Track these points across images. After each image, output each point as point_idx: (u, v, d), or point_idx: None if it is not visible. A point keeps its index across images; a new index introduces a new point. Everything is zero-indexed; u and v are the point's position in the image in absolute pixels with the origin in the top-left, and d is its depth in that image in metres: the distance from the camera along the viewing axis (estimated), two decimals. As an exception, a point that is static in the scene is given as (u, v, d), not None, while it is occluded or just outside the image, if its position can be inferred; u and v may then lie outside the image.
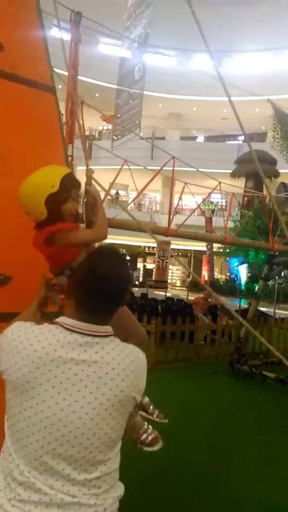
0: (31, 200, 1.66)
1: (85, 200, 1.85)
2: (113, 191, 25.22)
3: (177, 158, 3.91)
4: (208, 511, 3.16)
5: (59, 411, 1.16)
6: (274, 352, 2.39)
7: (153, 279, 25.42)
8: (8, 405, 1.22)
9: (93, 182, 1.89)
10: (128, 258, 20.58)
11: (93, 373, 1.20)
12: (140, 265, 29.20)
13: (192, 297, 10.49)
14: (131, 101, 18.44)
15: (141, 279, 27.15)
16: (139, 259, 29.37)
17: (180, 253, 31.62)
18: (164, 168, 3.98)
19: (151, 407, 2.04)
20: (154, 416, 2.03)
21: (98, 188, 2.02)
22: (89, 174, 1.90)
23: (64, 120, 2.59)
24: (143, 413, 1.99)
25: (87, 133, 27.41)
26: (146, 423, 1.83)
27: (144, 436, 1.82)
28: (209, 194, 4.22)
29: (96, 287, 1.25)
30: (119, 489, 1.29)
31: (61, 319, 1.27)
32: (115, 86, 19.51)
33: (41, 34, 2.18)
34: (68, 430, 1.16)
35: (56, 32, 2.75)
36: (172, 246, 26.94)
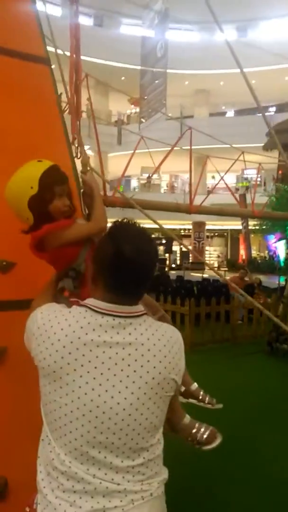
0: (15, 207, 1.56)
1: (82, 190, 1.74)
2: (145, 175, 25.09)
3: (196, 130, 3.70)
4: (247, 496, 3.05)
5: (96, 397, 1.11)
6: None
7: (190, 261, 25.21)
8: (43, 392, 1.18)
9: (94, 172, 1.81)
10: (164, 241, 20.37)
11: (128, 355, 1.14)
12: (176, 248, 29.03)
13: (228, 277, 10.26)
14: (156, 81, 18.12)
15: (178, 261, 26.95)
16: (175, 242, 29.32)
17: (216, 234, 31.14)
18: (193, 146, 3.77)
19: (201, 393, 1.88)
20: (206, 401, 1.87)
21: (96, 176, 1.90)
22: (84, 162, 1.76)
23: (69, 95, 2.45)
24: (194, 401, 1.85)
25: (115, 118, 27.23)
26: (197, 422, 1.65)
27: (199, 435, 1.66)
28: (232, 165, 3.99)
29: (123, 267, 1.16)
30: (164, 473, 1.25)
31: (90, 301, 1.19)
32: (139, 67, 19.18)
33: (31, 5, 2.06)
34: (107, 417, 1.11)
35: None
36: (208, 227, 26.75)
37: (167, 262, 21.43)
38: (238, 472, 3.31)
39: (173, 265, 23.50)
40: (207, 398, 1.86)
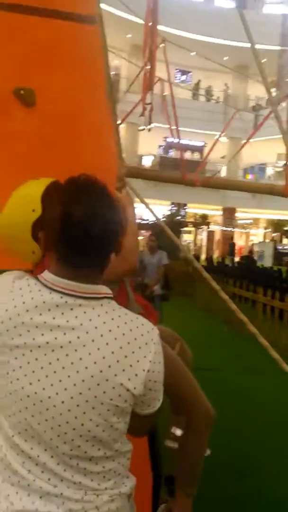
0: (15, 241, 1.26)
1: None
2: (280, 162, 23.55)
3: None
4: None
5: (27, 385, 0.96)
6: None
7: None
8: None
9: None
10: None
11: (68, 343, 0.96)
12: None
13: None
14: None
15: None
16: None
17: None
18: None
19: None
20: None
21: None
22: (121, 174, 1.46)
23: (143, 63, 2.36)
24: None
25: (252, 103, 26.06)
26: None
27: None
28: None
29: (73, 234, 0.97)
30: (122, 486, 1.05)
31: (43, 274, 1.03)
32: (278, 47, 18.02)
33: None
34: (38, 411, 0.96)
35: None
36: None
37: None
38: None
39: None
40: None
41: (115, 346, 0.97)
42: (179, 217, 22.41)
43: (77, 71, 1.93)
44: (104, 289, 1.03)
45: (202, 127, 21.55)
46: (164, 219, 20.82)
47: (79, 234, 0.98)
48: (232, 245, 22.11)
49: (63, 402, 0.95)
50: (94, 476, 1.01)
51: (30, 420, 0.97)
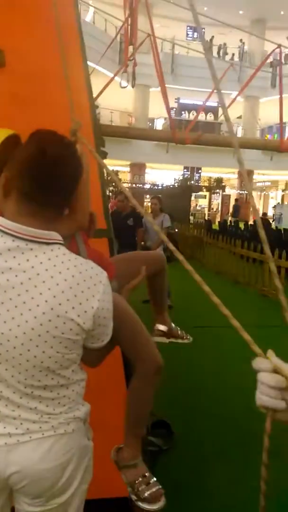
0: None
1: None
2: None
3: None
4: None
5: None
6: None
7: None
8: None
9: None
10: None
11: (19, 284, 1.02)
12: None
13: None
14: None
15: None
16: None
17: None
18: None
19: (179, 331, 1.92)
20: (184, 337, 1.93)
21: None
22: (73, 130, 1.45)
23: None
24: (174, 340, 1.90)
25: (269, 59, 24.92)
26: (147, 470, 1.45)
27: (142, 488, 1.42)
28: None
29: (44, 172, 1.04)
30: (76, 411, 1.16)
31: None
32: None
33: None
34: None
35: None
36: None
37: None
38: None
39: None
40: (184, 335, 1.92)
41: (65, 286, 1.04)
42: (192, 182, 22.13)
43: (46, 30, 1.95)
44: (55, 235, 1.08)
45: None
46: (177, 183, 20.63)
47: (49, 172, 1.05)
48: (236, 206, 21.87)
49: (16, 337, 1.03)
50: (49, 402, 1.11)
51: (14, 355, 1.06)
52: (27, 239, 1.04)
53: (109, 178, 8.25)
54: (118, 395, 1.68)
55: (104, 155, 2.34)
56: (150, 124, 23.37)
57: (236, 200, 23.24)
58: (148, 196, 17.52)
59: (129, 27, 2.58)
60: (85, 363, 1.21)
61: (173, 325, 1.94)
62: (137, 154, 20.54)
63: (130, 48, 3.00)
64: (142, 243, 6.17)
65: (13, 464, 1.10)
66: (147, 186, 21.02)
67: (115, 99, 15.12)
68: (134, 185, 20.57)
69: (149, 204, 7.31)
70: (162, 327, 1.85)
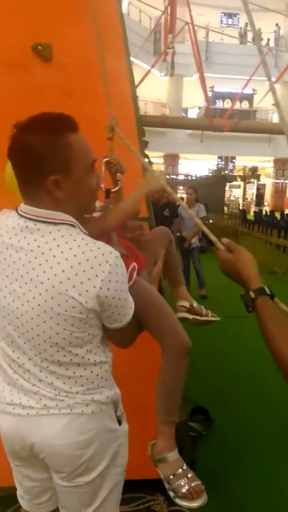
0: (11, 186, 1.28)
1: (106, 160, 1.43)
2: None
3: None
4: None
5: (2, 298, 1.15)
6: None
7: None
8: None
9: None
10: None
11: (28, 262, 1.10)
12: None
13: None
14: None
15: None
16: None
17: None
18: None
19: (203, 309, 1.86)
20: (209, 316, 1.86)
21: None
22: (111, 125, 1.47)
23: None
24: (197, 317, 1.83)
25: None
26: (185, 466, 1.33)
27: (179, 482, 1.30)
28: None
29: (13, 151, 1.09)
30: (95, 394, 1.19)
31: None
32: None
33: None
34: (11, 319, 1.15)
35: None
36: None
37: None
38: None
39: None
40: (209, 313, 1.85)
41: (67, 265, 1.07)
42: (226, 171, 21.82)
43: (90, 22, 2.00)
44: (64, 216, 1.12)
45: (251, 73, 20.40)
46: (211, 173, 20.41)
47: (13, 159, 1.11)
48: (259, 195, 21.41)
49: (26, 312, 1.11)
50: (66, 379, 1.16)
51: (8, 328, 1.17)
52: (35, 219, 1.11)
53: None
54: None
55: (146, 144, 2.38)
56: (183, 115, 23.13)
57: (258, 189, 22.78)
58: (181, 187, 17.43)
59: (168, 15, 2.59)
60: (115, 344, 1.26)
61: (196, 303, 1.86)
62: (171, 145, 20.43)
63: (169, 37, 3.00)
64: (178, 233, 6.19)
65: (33, 434, 1.19)
66: (180, 177, 20.89)
67: (148, 90, 15.07)
68: (167, 176, 20.52)
69: (184, 195, 7.29)
70: (183, 302, 1.79)
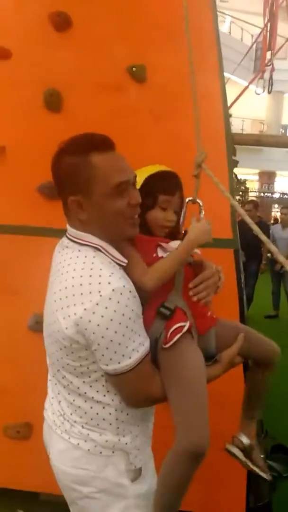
0: None
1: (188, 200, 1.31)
2: None
3: None
4: None
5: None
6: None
7: None
8: None
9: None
10: None
11: (54, 274, 1.14)
12: None
13: None
14: None
15: None
16: None
17: None
18: None
19: (261, 460, 1.42)
20: (263, 470, 1.41)
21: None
22: (198, 160, 1.31)
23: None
24: (249, 464, 1.38)
25: None
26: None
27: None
28: None
29: (51, 170, 1.13)
30: (96, 434, 1.11)
31: None
32: None
33: None
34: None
35: None
36: None
37: None
38: None
39: None
40: (265, 468, 1.42)
41: (62, 286, 1.05)
42: None
43: (184, 43, 2.00)
44: (90, 238, 1.09)
45: None
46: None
47: (52, 179, 1.14)
48: None
49: (47, 318, 1.14)
50: (68, 404, 1.14)
51: (44, 337, 1.18)
52: (69, 238, 1.14)
53: (237, 186, 8.11)
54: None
55: (235, 163, 2.30)
56: (282, 131, 22.35)
57: None
58: (277, 205, 16.76)
59: (267, 32, 2.51)
60: (123, 399, 1.12)
61: (256, 448, 1.43)
62: (267, 162, 19.81)
63: (267, 54, 2.92)
64: (269, 254, 5.92)
65: (50, 445, 1.22)
66: (276, 195, 20.11)
67: (246, 108, 14.85)
68: (262, 194, 19.88)
69: (278, 214, 6.97)
70: (243, 438, 1.39)
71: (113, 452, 1.12)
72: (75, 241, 1.11)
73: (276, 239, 5.85)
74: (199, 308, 1.23)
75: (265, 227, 6.10)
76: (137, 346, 1.04)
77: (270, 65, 2.73)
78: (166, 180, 1.26)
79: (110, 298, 0.99)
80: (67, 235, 1.15)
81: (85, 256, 1.06)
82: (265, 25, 2.53)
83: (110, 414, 1.11)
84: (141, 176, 1.23)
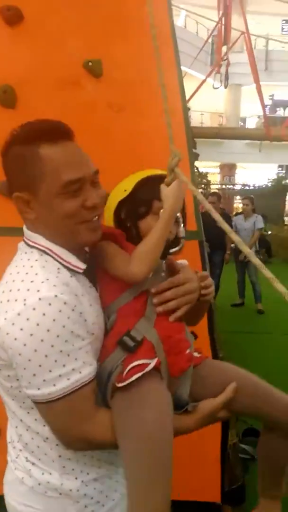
0: (106, 213, 1.12)
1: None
2: None
3: None
4: None
5: None
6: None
7: None
8: None
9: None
10: None
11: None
12: None
13: None
14: None
15: None
16: None
17: None
18: None
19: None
20: None
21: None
22: (172, 165, 1.08)
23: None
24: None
25: None
26: None
27: None
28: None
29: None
30: (39, 474, 0.95)
31: None
32: None
33: None
34: None
35: None
36: None
37: None
38: None
39: None
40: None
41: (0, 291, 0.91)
42: (287, 181, 21.08)
43: (140, 37, 2.00)
44: (38, 240, 0.95)
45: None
46: (270, 183, 19.84)
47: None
48: None
49: None
50: (14, 429, 0.99)
51: None
52: (23, 238, 1.01)
53: (199, 179, 8.22)
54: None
55: (196, 156, 2.34)
56: (241, 124, 22.77)
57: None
58: (238, 197, 17.12)
59: (222, 26, 2.55)
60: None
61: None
62: (228, 154, 20.14)
63: (223, 48, 2.96)
64: (232, 245, 6.05)
65: None
66: (237, 187, 20.51)
67: (205, 101, 15.01)
68: (224, 186, 20.21)
69: (240, 205, 7.13)
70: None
71: (60, 494, 0.95)
72: (25, 241, 0.97)
73: (238, 229, 5.99)
74: (175, 342, 0.99)
75: (227, 218, 6.23)
76: (67, 373, 0.84)
77: (226, 59, 2.76)
78: (160, 184, 1.07)
79: (34, 308, 0.82)
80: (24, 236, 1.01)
81: (28, 259, 0.92)
82: (220, 19, 2.56)
83: (51, 449, 0.94)
84: (131, 182, 1.10)
